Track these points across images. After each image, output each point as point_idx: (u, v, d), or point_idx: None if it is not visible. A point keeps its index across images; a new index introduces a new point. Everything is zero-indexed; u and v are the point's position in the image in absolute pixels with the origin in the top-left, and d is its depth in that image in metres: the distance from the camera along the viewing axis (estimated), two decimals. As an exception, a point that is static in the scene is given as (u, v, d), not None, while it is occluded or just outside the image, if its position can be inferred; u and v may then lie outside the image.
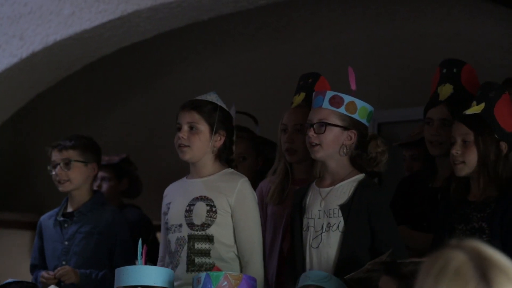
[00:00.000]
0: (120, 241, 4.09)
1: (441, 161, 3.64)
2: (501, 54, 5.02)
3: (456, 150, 3.25)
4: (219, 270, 3.25)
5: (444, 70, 3.67)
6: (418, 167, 4.08)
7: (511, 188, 3.21)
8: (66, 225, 4.13)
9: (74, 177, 4.11)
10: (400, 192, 3.79)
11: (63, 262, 4.07)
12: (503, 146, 3.25)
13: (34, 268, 4.20)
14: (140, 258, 3.24)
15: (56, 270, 4.01)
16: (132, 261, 3.72)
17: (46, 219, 4.22)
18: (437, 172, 3.66)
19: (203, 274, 3.09)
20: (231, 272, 3.12)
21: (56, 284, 3.96)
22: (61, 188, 4.15)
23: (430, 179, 3.67)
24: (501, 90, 3.32)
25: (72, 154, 4.12)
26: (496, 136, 3.24)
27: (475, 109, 3.28)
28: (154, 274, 3.15)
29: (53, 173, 4.12)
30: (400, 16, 5.46)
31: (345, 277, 3.07)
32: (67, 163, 4.10)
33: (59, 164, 4.11)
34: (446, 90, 3.61)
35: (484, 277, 1.46)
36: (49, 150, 4.16)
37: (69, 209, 4.18)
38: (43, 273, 4.03)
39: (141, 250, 3.25)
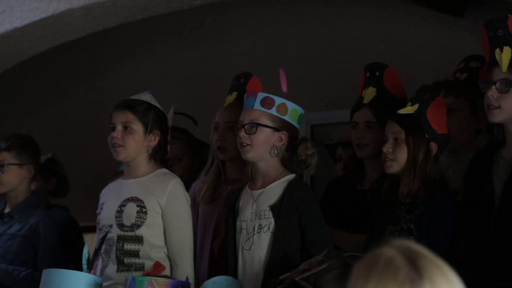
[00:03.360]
0: (44, 245, 4.04)
1: (369, 163, 3.70)
2: (432, 57, 5.11)
3: (387, 148, 3.31)
4: (161, 266, 3.23)
5: (368, 74, 3.75)
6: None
7: (438, 190, 3.27)
8: None
9: (8, 180, 4.06)
10: (329, 193, 3.84)
11: None
12: (433, 146, 3.32)
13: None
14: (85, 263, 3.21)
15: None
16: (57, 264, 3.67)
17: None
18: (366, 174, 3.72)
19: (129, 277, 3.08)
20: (156, 278, 3.10)
21: None
22: None
23: (359, 181, 3.72)
24: (435, 93, 3.40)
25: (6, 156, 4.06)
26: (427, 136, 3.30)
27: (409, 109, 3.35)
28: (81, 280, 3.12)
29: None
30: (334, 18, 5.52)
31: (280, 277, 3.08)
32: (1, 166, 4.04)
33: None
34: (369, 93, 3.68)
35: (414, 266, 1.50)
36: None
37: (7, 210, 4.14)
38: None
39: (87, 255, 3.22)
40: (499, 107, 3.09)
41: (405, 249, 1.52)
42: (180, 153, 4.09)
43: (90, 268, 3.37)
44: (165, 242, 3.41)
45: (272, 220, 3.29)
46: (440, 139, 3.35)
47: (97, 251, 3.42)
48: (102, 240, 3.42)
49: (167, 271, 3.36)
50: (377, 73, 3.72)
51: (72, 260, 4.38)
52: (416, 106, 3.34)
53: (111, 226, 3.41)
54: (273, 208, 3.30)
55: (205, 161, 4.05)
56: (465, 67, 3.79)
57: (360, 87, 3.79)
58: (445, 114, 3.39)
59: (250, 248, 3.31)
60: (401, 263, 1.50)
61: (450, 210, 3.24)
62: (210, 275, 3.61)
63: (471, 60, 3.80)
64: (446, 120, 3.41)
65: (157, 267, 3.21)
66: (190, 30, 5.97)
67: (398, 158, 3.30)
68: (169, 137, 3.53)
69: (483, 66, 3.76)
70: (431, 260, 1.51)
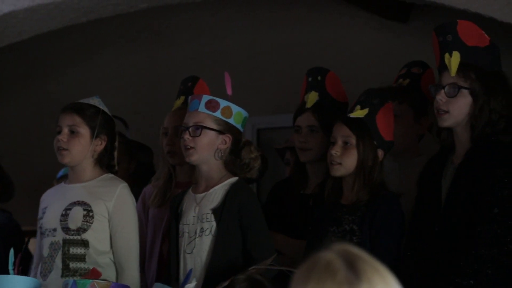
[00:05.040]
0: None
1: (312, 167, 3.72)
2: (376, 63, 5.17)
3: (335, 151, 3.31)
4: (98, 272, 3.22)
5: (310, 79, 3.78)
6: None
7: (380, 192, 3.30)
8: None
9: None
10: (272, 198, 3.85)
11: None
12: (380, 153, 3.34)
13: None
14: (11, 268, 3.17)
15: None
16: None
17: None
18: (309, 178, 3.74)
19: (70, 281, 3.06)
20: (98, 280, 3.09)
21: None
22: None
23: (302, 185, 3.74)
24: (385, 99, 3.42)
25: None
26: (375, 143, 3.33)
27: (359, 113, 3.35)
28: (18, 284, 3.08)
29: None
30: (279, 23, 5.55)
31: (233, 277, 3.09)
32: None
33: None
34: (312, 98, 3.71)
35: (353, 268, 1.53)
36: None
37: None
38: None
39: (13, 259, 3.18)
40: (448, 111, 3.13)
41: (344, 252, 1.55)
42: (118, 156, 4.09)
43: (18, 272, 3.33)
44: (111, 247, 3.39)
45: (214, 223, 3.29)
46: (386, 146, 3.37)
47: (22, 255, 3.39)
48: (25, 245, 3.40)
49: (112, 277, 3.34)
50: (319, 78, 3.76)
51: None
52: (366, 110, 3.35)
53: (55, 230, 3.38)
54: (215, 211, 3.30)
55: (141, 164, 4.05)
56: (407, 73, 3.83)
57: (302, 91, 3.81)
58: (393, 121, 3.42)
59: (192, 252, 3.30)
60: (340, 266, 1.53)
61: (392, 212, 3.27)
62: (158, 279, 3.60)
63: (413, 66, 3.85)
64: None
65: (93, 273, 3.20)
66: (137, 33, 5.94)
67: (346, 163, 3.30)
68: (116, 143, 3.51)
69: (425, 72, 3.82)
70: (369, 263, 1.54)
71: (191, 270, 3.21)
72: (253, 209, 3.30)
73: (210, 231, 3.28)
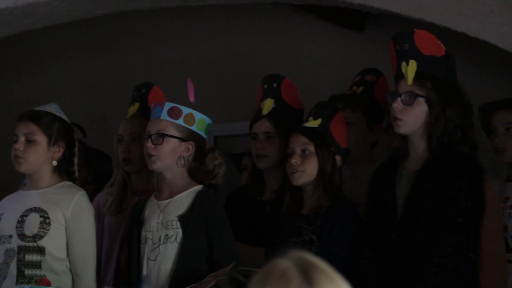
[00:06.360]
0: None
1: (269, 174, 3.74)
2: (332, 71, 5.21)
3: (295, 160, 3.34)
4: (48, 281, 3.20)
5: (265, 86, 3.81)
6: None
7: (338, 201, 3.33)
8: None
9: None
10: (229, 205, 3.85)
11: None
12: (338, 159, 3.39)
13: None
14: None
15: None
16: None
17: None
18: (266, 185, 3.76)
19: (26, 287, 3.04)
20: None
21: None
22: None
23: (258, 192, 3.75)
24: (335, 109, 3.50)
25: None
26: (332, 149, 3.37)
27: (313, 123, 3.41)
28: None
29: None
30: (237, 30, 5.57)
31: (218, 279, 3.09)
32: None
33: None
34: (268, 105, 3.74)
35: (307, 277, 1.55)
36: None
37: None
38: None
39: None
40: (403, 119, 3.16)
41: (300, 260, 1.56)
42: (78, 164, 4.06)
43: None
44: (67, 255, 3.37)
45: (180, 231, 3.29)
46: (343, 153, 3.43)
47: None
48: None
49: (68, 284, 3.32)
50: (275, 85, 3.78)
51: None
52: (319, 120, 3.40)
53: (10, 236, 3.36)
54: (181, 218, 3.30)
55: (98, 173, 4.02)
56: (361, 80, 3.87)
57: (258, 99, 3.84)
58: (346, 129, 3.48)
59: (155, 259, 3.30)
60: (295, 275, 1.54)
61: (350, 222, 3.30)
62: (116, 287, 3.59)
63: (367, 73, 3.88)
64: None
65: (44, 282, 3.18)
66: (92, 39, 5.91)
67: (307, 170, 3.34)
68: (76, 149, 3.49)
69: (378, 79, 3.86)
70: (324, 272, 1.56)
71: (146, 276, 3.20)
72: (219, 218, 3.32)
73: (175, 239, 3.28)
